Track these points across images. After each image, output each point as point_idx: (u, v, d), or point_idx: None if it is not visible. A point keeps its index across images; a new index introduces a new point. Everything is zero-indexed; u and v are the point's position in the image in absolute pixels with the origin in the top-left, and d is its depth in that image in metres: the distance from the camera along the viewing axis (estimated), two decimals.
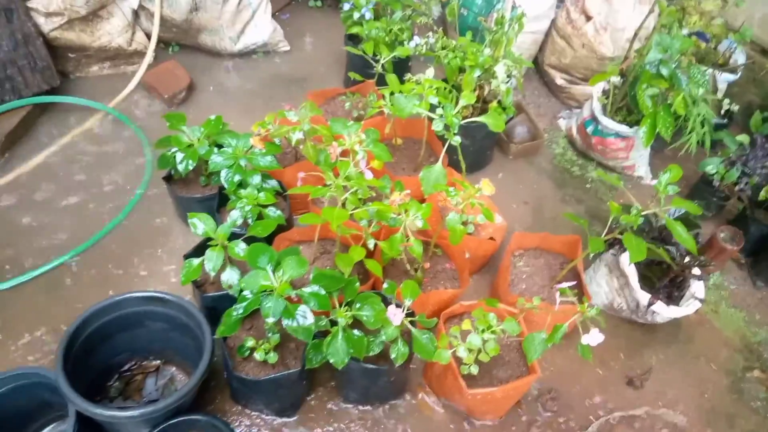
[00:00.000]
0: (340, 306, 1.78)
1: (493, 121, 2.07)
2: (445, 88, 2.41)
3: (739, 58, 3.03)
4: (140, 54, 2.97)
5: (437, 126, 2.03)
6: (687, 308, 2.22)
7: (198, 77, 3.08)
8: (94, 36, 2.78)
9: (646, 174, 2.96)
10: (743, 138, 2.68)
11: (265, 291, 1.67)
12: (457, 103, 2.11)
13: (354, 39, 2.93)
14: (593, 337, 1.60)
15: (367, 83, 2.70)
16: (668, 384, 2.28)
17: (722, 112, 2.98)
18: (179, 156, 2.15)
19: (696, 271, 2.23)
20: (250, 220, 2.03)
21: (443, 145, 2.51)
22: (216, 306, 1.93)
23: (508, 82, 2.44)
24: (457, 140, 2.03)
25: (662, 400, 2.23)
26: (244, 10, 3.05)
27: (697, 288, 2.26)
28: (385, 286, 1.88)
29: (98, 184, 2.57)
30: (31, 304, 2.15)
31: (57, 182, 2.56)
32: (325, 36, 3.55)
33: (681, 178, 1.95)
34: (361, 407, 2.05)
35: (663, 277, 2.22)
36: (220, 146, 2.20)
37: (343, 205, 1.81)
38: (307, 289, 1.70)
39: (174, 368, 2.04)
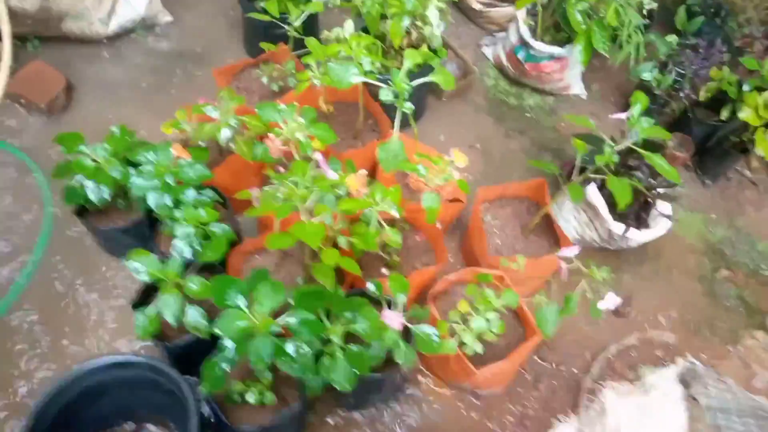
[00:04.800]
0: (328, 319, 1.58)
1: (443, 78, 1.85)
2: (374, 44, 2.15)
3: None
4: None
5: (386, 95, 1.79)
6: (659, 229, 2.20)
7: (74, 74, 2.59)
8: None
9: (581, 90, 2.87)
10: (673, 38, 2.63)
11: (244, 332, 1.44)
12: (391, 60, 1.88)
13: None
14: (610, 301, 1.51)
15: (280, 49, 2.37)
16: (650, 304, 2.29)
17: (644, 12, 2.91)
18: (89, 185, 1.79)
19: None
20: (196, 245, 1.74)
21: (380, 105, 2.30)
22: (186, 351, 1.68)
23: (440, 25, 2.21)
24: (409, 108, 1.80)
25: (649, 322, 2.24)
26: None
27: (662, 206, 2.24)
28: (370, 286, 1.69)
29: None
30: None
31: None
32: None
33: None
34: (364, 412, 1.90)
35: (633, 204, 2.17)
36: (134, 163, 1.85)
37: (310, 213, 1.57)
38: (293, 318, 1.47)
39: (151, 426, 1.78)
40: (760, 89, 2.36)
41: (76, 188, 1.82)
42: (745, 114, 2.34)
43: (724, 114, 2.51)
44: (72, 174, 1.84)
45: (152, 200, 1.74)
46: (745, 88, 2.41)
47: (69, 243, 2.13)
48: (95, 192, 1.80)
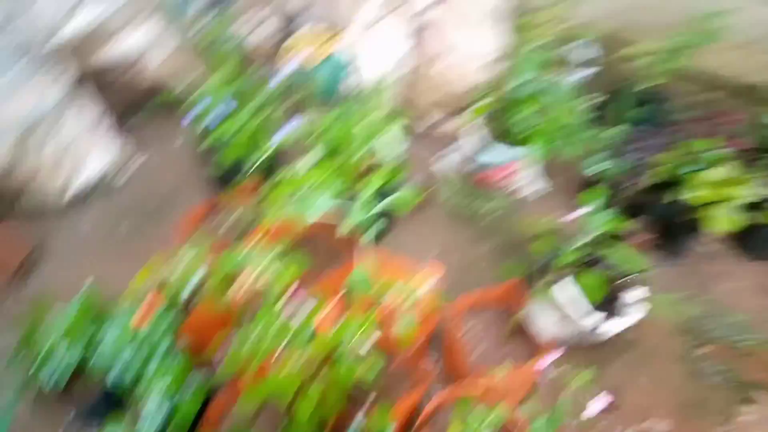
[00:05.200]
0: None
1: (404, 199, 1.92)
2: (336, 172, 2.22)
3: (589, 52, 3.12)
4: None
5: (347, 229, 1.84)
6: (633, 317, 2.22)
7: (38, 237, 2.60)
8: None
9: (539, 188, 2.98)
10: (612, 132, 2.79)
11: None
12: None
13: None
14: (600, 402, 1.51)
15: (245, 187, 2.43)
16: (639, 392, 2.27)
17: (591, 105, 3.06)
18: (45, 372, 1.74)
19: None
20: (166, 409, 1.69)
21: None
22: None
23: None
24: (370, 237, 1.85)
25: (642, 413, 2.21)
26: (67, 152, 2.62)
27: (635, 291, 2.27)
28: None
29: None
30: None
31: None
32: (167, 142, 3.20)
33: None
34: None
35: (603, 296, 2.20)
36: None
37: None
38: None
39: None
40: (697, 170, 2.49)
41: (33, 376, 1.77)
42: (686, 195, 2.45)
43: (668, 197, 2.61)
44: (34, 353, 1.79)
45: (114, 376, 1.70)
46: (685, 170, 2.54)
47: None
48: (50, 378, 1.75)
